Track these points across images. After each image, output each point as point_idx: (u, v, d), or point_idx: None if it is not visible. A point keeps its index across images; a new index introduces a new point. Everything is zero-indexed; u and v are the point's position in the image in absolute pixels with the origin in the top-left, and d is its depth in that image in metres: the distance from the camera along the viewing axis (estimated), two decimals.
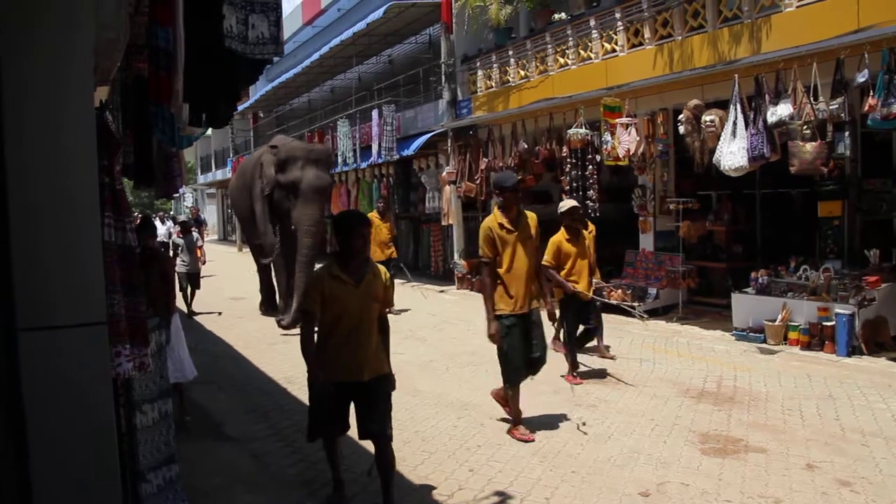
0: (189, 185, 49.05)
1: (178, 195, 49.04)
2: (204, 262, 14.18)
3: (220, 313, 13.09)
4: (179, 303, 8.64)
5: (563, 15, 12.32)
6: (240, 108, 27.99)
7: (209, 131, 32.19)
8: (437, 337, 10.18)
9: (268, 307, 12.89)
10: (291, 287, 11.37)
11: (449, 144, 15.25)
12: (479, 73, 14.42)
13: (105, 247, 2.61)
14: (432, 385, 7.41)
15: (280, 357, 9.02)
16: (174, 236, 13.68)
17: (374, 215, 12.26)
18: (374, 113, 17.06)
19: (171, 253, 13.14)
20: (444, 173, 15.17)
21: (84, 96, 2.31)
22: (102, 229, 2.61)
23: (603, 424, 5.95)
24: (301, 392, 7.24)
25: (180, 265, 12.49)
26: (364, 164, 18.35)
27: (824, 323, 8.18)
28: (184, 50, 4.02)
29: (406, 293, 14.15)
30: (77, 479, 2.35)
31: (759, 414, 6.13)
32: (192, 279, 12.99)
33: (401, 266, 14.67)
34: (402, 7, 15.53)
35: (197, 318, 12.71)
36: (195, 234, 13.85)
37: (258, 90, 25.65)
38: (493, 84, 13.99)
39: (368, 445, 5.51)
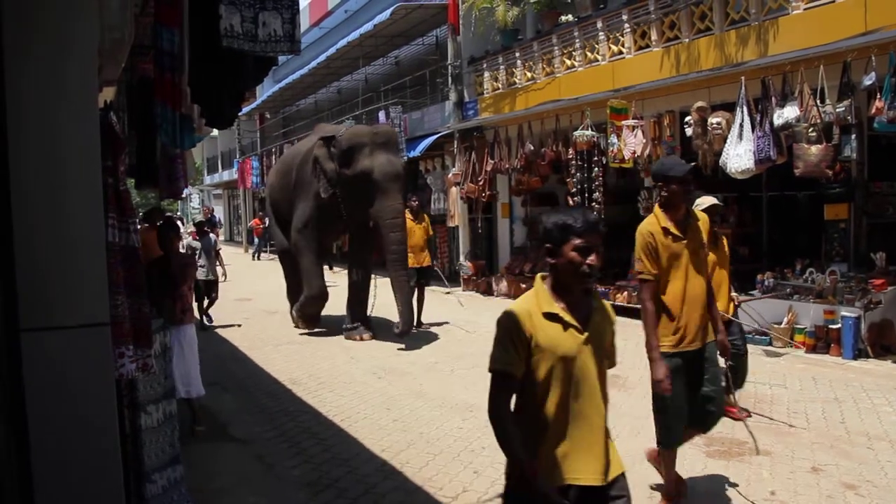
0: (196, 186, 49.18)
1: (184, 196, 49.21)
2: (224, 274, 12.82)
3: (239, 325, 11.89)
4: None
5: (569, 17, 12.30)
6: (246, 109, 28.14)
7: (215, 132, 32.24)
8: (443, 339, 10.17)
9: (308, 319, 11.13)
10: (366, 296, 10.30)
11: (455, 146, 15.26)
12: (486, 74, 14.42)
13: (108, 247, 2.62)
14: (437, 387, 7.40)
15: (285, 358, 9.03)
16: (189, 238, 12.20)
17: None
18: (381, 114, 17.08)
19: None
20: (450, 175, 15.19)
21: (87, 97, 2.32)
22: (106, 230, 2.62)
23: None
24: (306, 394, 7.26)
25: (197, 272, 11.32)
26: None
27: (830, 326, 8.16)
28: (188, 51, 4.04)
29: (441, 301, 13.42)
30: (79, 480, 2.35)
31: (765, 417, 6.11)
32: (210, 287, 11.66)
33: (436, 271, 13.30)
34: (409, 8, 15.54)
35: (216, 330, 11.52)
36: (212, 237, 12.61)
37: (265, 91, 25.71)
38: (500, 85, 13.99)
39: (373, 445, 5.55)
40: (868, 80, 7.59)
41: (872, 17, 7.56)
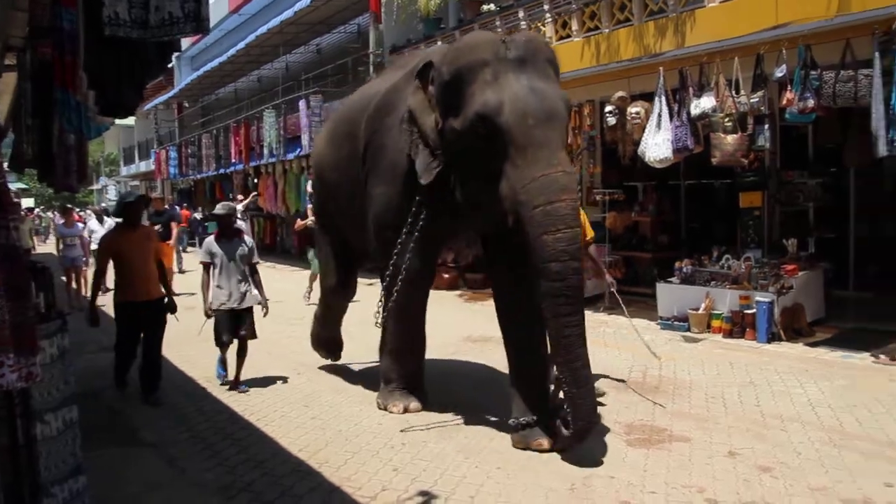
0: (112, 177, 47.54)
1: (100, 187, 47.37)
2: (265, 307, 7.36)
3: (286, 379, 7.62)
4: None
5: (491, 6, 12.28)
6: (163, 97, 27.26)
7: (131, 121, 31.03)
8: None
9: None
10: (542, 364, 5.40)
11: None
12: None
13: None
14: (359, 381, 7.25)
15: (200, 354, 8.61)
16: (211, 240, 7.10)
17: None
18: (301, 103, 16.73)
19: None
20: None
21: None
22: None
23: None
24: (222, 393, 7.00)
25: (217, 297, 6.93)
26: (290, 156, 17.98)
27: (745, 311, 8.38)
28: (83, 35, 3.80)
29: (618, 337, 8.99)
30: None
31: (684, 403, 6.21)
32: (231, 323, 7.03)
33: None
34: None
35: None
36: (249, 241, 7.27)
37: (182, 79, 24.99)
38: None
39: (290, 445, 5.39)
40: (779, 73, 7.80)
41: (783, 12, 7.74)
